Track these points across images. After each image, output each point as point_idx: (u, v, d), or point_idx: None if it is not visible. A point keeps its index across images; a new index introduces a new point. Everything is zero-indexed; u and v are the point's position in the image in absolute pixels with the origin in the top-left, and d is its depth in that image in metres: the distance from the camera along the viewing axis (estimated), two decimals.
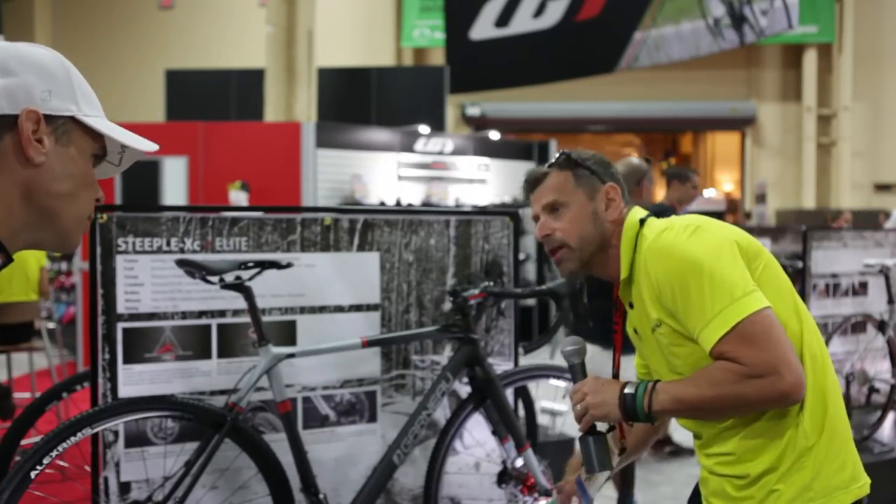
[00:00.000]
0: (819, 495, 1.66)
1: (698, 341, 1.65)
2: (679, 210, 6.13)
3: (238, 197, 8.62)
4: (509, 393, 3.10)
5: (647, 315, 1.76)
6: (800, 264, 5.29)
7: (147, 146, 1.16)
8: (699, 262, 1.63)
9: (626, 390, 1.70)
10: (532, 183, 1.91)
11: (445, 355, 3.13)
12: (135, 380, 2.72)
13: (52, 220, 1.09)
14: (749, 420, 1.70)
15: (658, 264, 1.69)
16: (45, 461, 2.36)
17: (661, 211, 6.33)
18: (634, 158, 4.26)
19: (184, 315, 2.79)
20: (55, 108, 1.07)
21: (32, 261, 5.81)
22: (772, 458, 1.68)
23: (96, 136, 1.12)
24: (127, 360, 2.71)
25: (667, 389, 1.68)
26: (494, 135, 13.08)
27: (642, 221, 1.80)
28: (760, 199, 17.43)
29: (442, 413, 3.09)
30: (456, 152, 11.61)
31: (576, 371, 1.81)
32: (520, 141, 13.89)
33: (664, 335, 1.73)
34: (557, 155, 1.91)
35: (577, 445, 1.81)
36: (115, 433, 2.71)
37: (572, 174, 1.85)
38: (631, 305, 1.83)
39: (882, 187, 18.44)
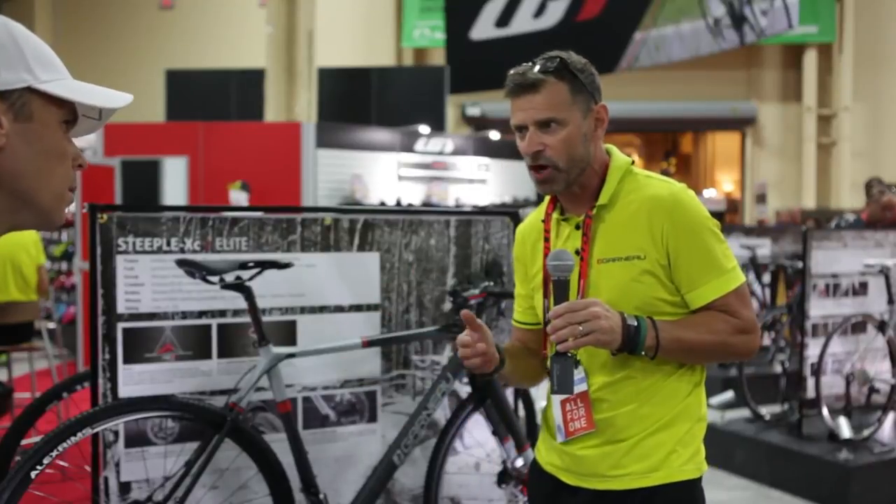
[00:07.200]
0: (702, 460, 1.83)
1: (698, 288, 1.75)
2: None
3: (238, 197, 8.62)
4: (509, 393, 3.10)
5: (622, 244, 1.76)
6: (800, 264, 5.30)
7: (120, 100, 1.06)
8: (716, 226, 1.79)
9: (629, 322, 1.67)
10: (523, 88, 1.75)
11: (445, 355, 3.13)
12: (135, 380, 2.72)
13: (28, 202, 1.00)
14: (658, 396, 1.79)
15: (680, 212, 1.75)
16: (46, 461, 2.36)
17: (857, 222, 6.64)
18: None
19: (184, 315, 2.79)
20: (6, 82, 0.96)
21: (28, 260, 5.76)
22: (674, 429, 1.79)
23: (62, 102, 1.01)
24: (127, 360, 2.71)
25: (667, 329, 1.72)
26: (494, 135, 13.06)
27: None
28: (760, 199, 17.42)
29: (442, 413, 3.09)
30: (456, 152, 11.61)
31: (564, 288, 1.67)
32: None
33: (629, 267, 1.74)
34: (550, 59, 1.75)
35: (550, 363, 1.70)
36: (115, 433, 2.71)
37: (569, 86, 1.74)
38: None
39: None
